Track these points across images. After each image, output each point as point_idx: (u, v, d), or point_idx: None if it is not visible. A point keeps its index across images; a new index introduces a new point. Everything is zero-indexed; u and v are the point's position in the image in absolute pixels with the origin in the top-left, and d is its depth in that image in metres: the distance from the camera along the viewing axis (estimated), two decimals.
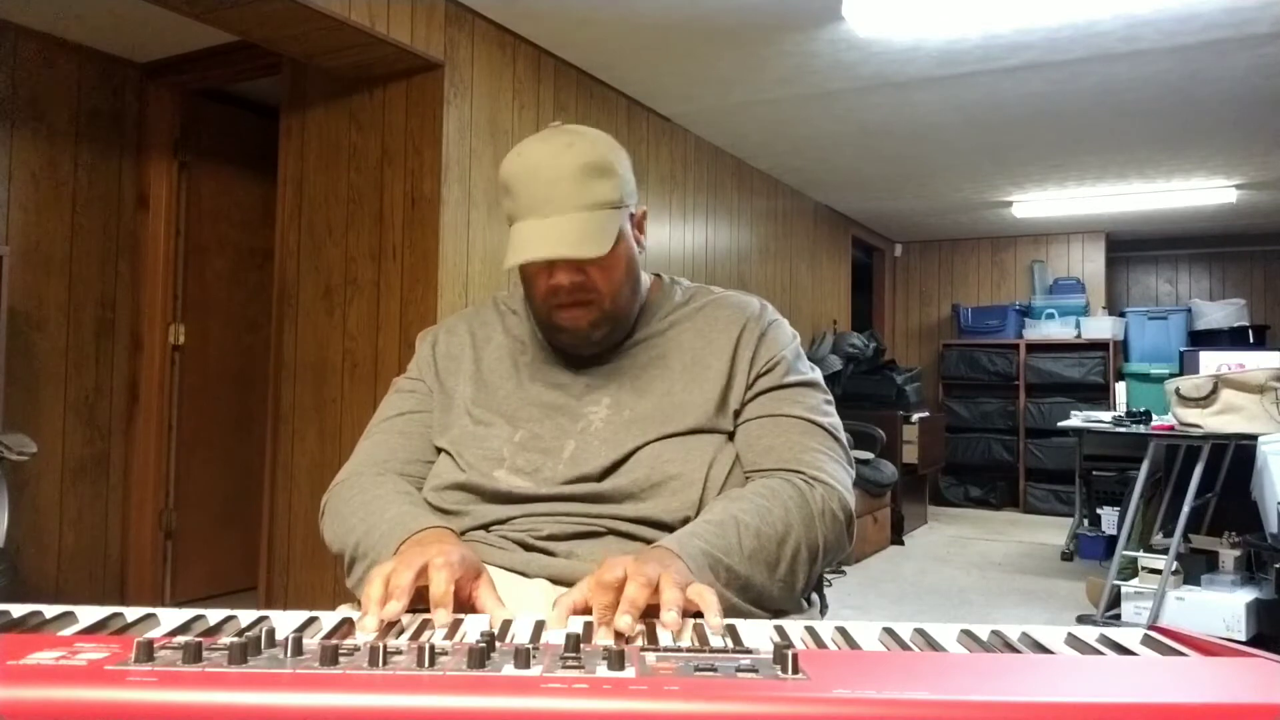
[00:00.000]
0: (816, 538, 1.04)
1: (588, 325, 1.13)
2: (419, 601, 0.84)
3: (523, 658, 0.60)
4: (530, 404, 1.16)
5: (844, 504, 1.08)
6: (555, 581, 1.04)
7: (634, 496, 1.07)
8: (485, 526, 1.10)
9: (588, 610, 0.83)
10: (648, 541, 1.05)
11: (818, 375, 1.20)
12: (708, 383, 1.14)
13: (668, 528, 1.05)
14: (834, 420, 1.17)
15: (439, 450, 1.18)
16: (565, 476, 1.09)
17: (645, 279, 1.24)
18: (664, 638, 0.76)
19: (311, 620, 0.79)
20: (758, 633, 0.79)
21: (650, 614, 0.80)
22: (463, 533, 1.08)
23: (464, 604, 0.89)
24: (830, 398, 1.19)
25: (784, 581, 1.01)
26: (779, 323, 1.22)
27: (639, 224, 1.19)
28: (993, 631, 0.78)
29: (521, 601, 0.98)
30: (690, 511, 1.06)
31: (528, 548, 1.06)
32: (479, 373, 1.21)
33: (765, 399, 1.14)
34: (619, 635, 0.77)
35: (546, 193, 1.07)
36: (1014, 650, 0.73)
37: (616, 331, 1.17)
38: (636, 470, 1.08)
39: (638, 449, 1.09)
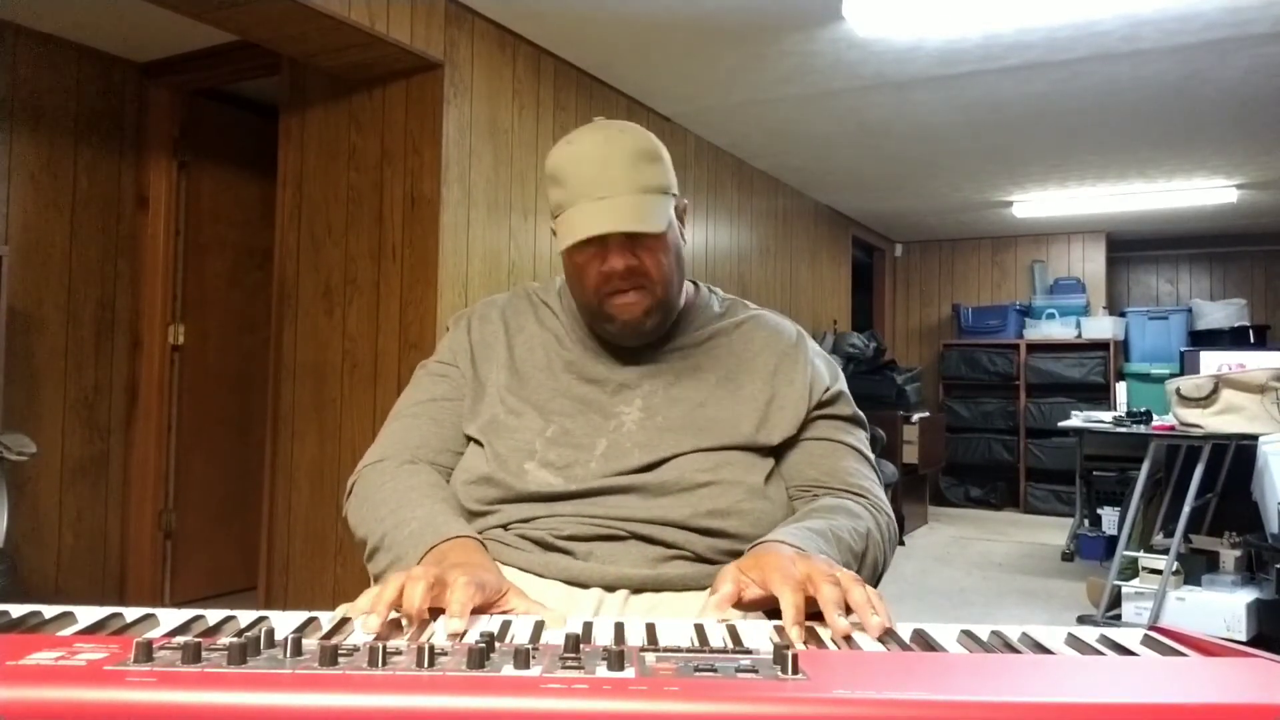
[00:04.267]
0: (882, 561, 1.11)
1: (641, 313, 1.13)
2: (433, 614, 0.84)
3: (522, 658, 0.60)
4: (562, 396, 1.16)
5: (895, 531, 1.15)
6: (571, 583, 1.04)
7: (662, 495, 1.08)
8: (505, 525, 1.09)
9: (741, 604, 0.85)
10: (669, 544, 1.06)
11: (861, 413, 1.26)
12: (742, 402, 1.15)
13: (692, 530, 1.06)
14: (873, 457, 1.23)
15: (468, 439, 1.18)
16: (597, 474, 1.09)
17: (686, 283, 1.25)
18: (664, 638, 0.76)
19: (311, 620, 0.79)
20: (758, 633, 0.79)
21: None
22: (483, 531, 1.08)
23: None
24: (869, 435, 1.26)
25: None
26: (820, 351, 1.26)
27: (680, 216, 1.20)
28: (993, 632, 0.78)
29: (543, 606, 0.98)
30: (716, 520, 1.07)
31: (546, 547, 1.06)
32: (512, 361, 1.21)
33: (827, 424, 1.19)
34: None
35: (600, 176, 1.08)
36: (1014, 650, 0.73)
37: (665, 322, 1.18)
38: (667, 474, 1.09)
39: (671, 457, 1.10)
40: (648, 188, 1.10)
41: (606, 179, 1.08)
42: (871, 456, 1.22)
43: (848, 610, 0.79)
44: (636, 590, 1.04)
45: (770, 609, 0.83)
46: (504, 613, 0.89)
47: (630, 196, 1.08)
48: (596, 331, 1.19)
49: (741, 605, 0.86)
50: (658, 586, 1.05)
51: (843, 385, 1.23)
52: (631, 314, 1.13)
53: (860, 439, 1.21)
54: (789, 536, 0.96)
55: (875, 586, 1.08)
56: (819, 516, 1.05)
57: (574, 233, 1.07)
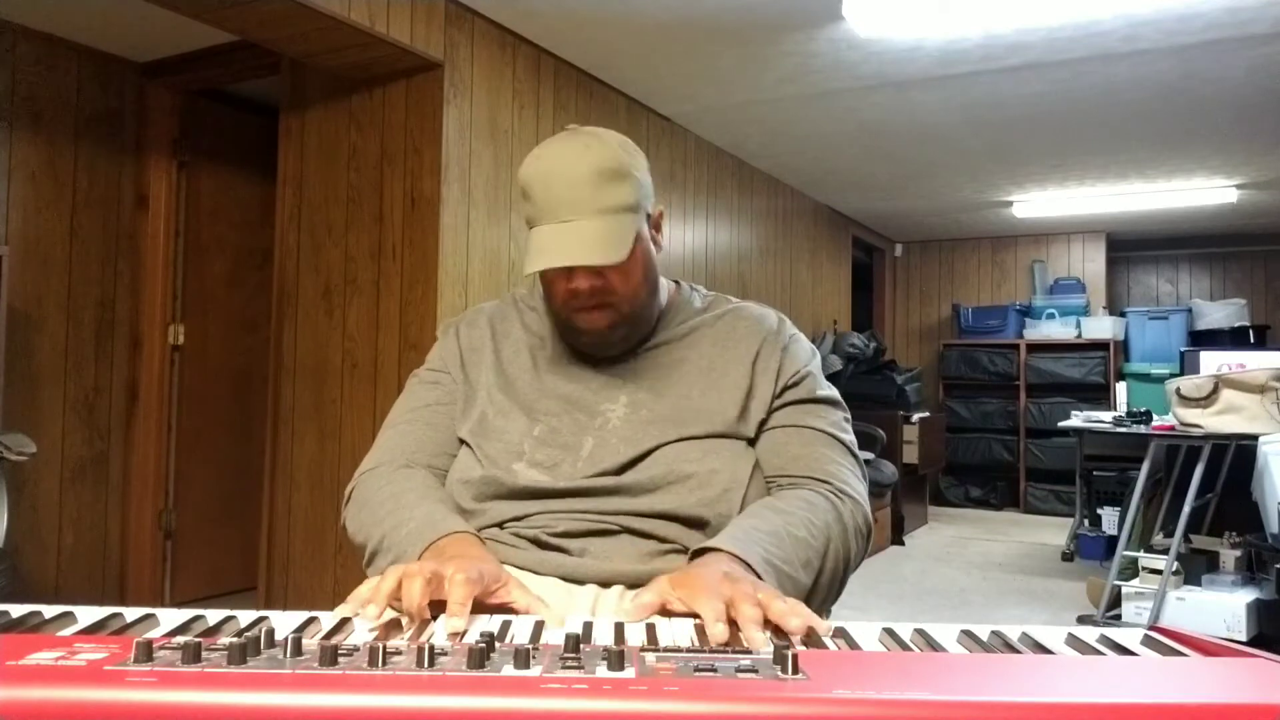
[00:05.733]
0: (849, 552, 1.07)
1: (606, 327, 1.14)
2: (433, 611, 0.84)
3: (522, 658, 0.60)
4: (548, 397, 1.17)
5: (868, 519, 1.12)
6: (567, 580, 1.04)
7: (650, 491, 1.08)
8: (500, 524, 1.10)
9: (663, 612, 0.85)
10: (662, 539, 1.06)
11: (838, 394, 1.23)
12: (725, 390, 1.15)
13: (683, 521, 1.07)
14: (853, 439, 1.20)
15: (461, 442, 1.19)
16: (584, 473, 1.10)
17: (665, 283, 1.25)
18: (664, 638, 0.76)
19: (311, 620, 0.79)
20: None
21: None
22: (478, 530, 1.09)
23: (489, 612, 0.90)
24: (849, 416, 1.22)
25: (821, 592, 1.04)
26: (799, 338, 1.25)
27: (656, 224, 1.20)
28: (993, 632, 0.78)
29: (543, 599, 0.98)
30: (705, 510, 1.07)
31: (541, 545, 1.07)
32: (499, 364, 1.22)
33: (792, 410, 1.17)
34: (620, 636, 0.76)
35: (563, 197, 1.08)
36: (1014, 650, 0.73)
37: (635, 333, 1.18)
38: (654, 468, 1.09)
39: (656, 448, 1.10)
40: (612, 208, 1.09)
41: (570, 200, 1.07)
42: (847, 437, 1.18)
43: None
44: (632, 586, 1.04)
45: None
46: (503, 604, 0.90)
47: (593, 221, 1.07)
48: (568, 340, 1.20)
49: (665, 616, 0.87)
50: None
51: (815, 368, 1.22)
52: (597, 328, 1.14)
53: (833, 421, 1.18)
54: (733, 543, 0.95)
55: (843, 578, 1.07)
56: (773, 513, 1.04)
57: (536, 260, 1.08)
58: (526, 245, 1.12)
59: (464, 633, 0.78)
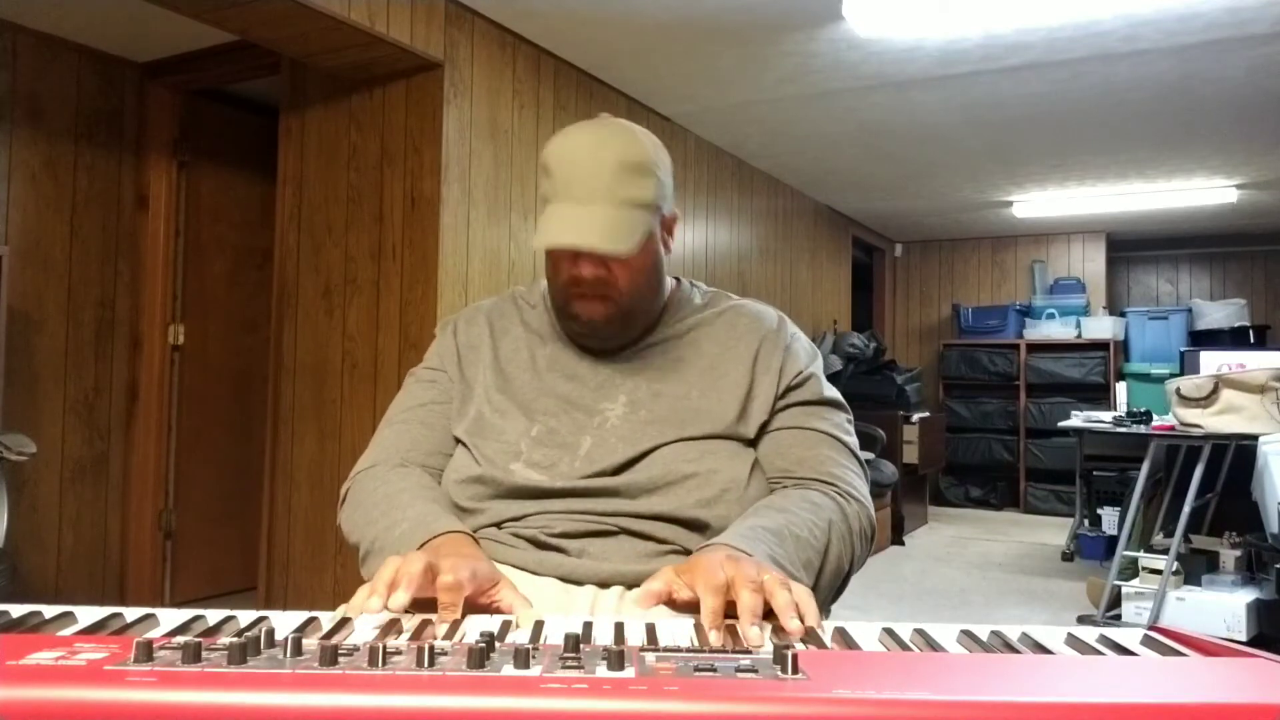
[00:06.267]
0: (853, 554, 1.08)
1: (601, 319, 1.14)
2: (426, 610, 0.84)
3: (522, 658, 0.60)
4: (546, 395, 1.17)
5: (872, 522, 1.12)
6: (565, 580, 1.04)
7: (648, 492, 1.08)
8: (498, 524, 1.10)
9: (669, 601, 0.86)
10: (660, 540, 1.06)
11: (840, 396, 1.23)
12: (725, 390, 1.15)
13: (681, 523, 1.06)
14: (855, 441, 1.20)
15: (457, 441, 1.19)
16: (582, 472, 1.09)
17: (667, 280, 1.25)
18: (664, 638, 0.76)
19: (311, 620, 0.79)
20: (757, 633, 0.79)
21: (729, 614, 0.80)
22: (476, 529, 1.09)
23: (481, 612, 0.90)
24: (851, 418, 1.22)
25: (821, 593, 1.03)
26: (800, 336, 1.25)
27: (669, 227, 1.20)
28: (993, 632, 0.78)
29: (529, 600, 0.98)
30: (702, 511, 1.07)
31: (539, 545, 1.07)
32: (497, 362, 1.22)
33: (797, 411, 1.17)
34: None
35: (584, 180, 1.08)
36: (1014, 650, 0.73)
37: (630, 329, 1.18)
38: (652, 468, 1.09)
39: (655, 449, 1.10)
40: (629, 201, 1.09)
41: (590, 184, 1.08)
42: (850, 439, 1.18)
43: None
44: (630, 586, 1.04)
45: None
46: (493, 603, 0.91)
47: (609, 209, 1.07)
48: (563, 326, 1.21)
49: (676, 607, 0.87)
50: None
51: (817, 368, 1.22)
52: (593, 317, 1.14)
53: (836, 423, 1.18)
54: (737, 539, 0.95)
55: (845, 579, 1.07)
56: (776, 511, 1.04)
57: (546, 236, 1.08)
58: (540, 221, 1.12)
59: (459, 625, 0.78)
